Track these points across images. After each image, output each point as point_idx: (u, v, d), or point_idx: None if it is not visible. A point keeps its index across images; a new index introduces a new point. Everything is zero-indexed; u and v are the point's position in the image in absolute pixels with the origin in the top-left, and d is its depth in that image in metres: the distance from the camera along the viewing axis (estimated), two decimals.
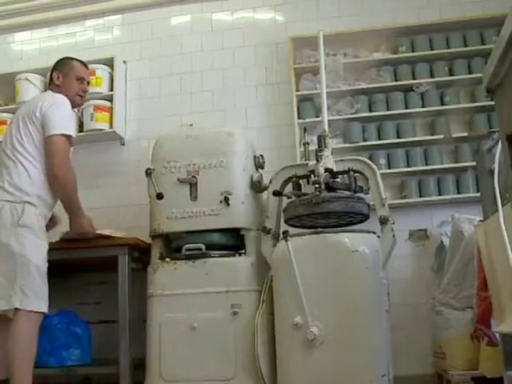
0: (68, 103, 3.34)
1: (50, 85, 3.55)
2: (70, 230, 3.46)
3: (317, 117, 4.39)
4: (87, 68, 3.70)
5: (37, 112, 3.23)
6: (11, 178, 3.14)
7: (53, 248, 3.99)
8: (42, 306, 3.05)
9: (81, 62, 3.64)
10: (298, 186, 3.48)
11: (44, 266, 3.13)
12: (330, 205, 3.04)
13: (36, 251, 3.08)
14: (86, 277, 4.61)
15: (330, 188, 3.20)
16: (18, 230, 3.03)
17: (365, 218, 3.28)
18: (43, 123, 3.20)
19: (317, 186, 3.12)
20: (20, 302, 2.94)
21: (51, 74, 3.55)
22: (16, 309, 2.94)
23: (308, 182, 3.48)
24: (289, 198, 3.30)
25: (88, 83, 3.69)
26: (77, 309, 4.25)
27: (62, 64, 3.57)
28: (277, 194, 3.41)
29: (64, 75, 3.49)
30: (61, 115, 3.25)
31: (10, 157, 3.20)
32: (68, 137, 3.24)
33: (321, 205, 2.99)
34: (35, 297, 3.00)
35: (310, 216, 3.20)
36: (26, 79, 4.92)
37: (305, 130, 3.83)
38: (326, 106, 3.70)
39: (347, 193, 3.26)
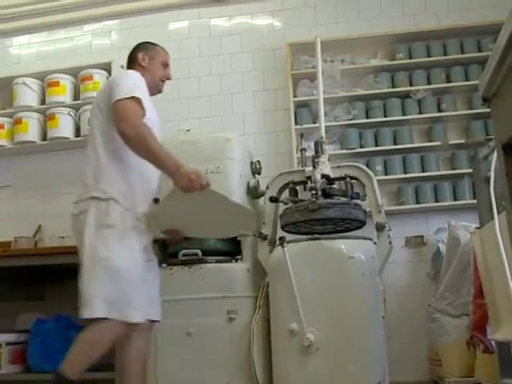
0: (138, 75, 2.98)
1: (132, 65, 3.19)
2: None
3: (314, 123, 4.40)
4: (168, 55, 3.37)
5: (104, 93, 2.91)
6: (93, 173, 2.82)
7: (48, 253, 4.03)
8: (130, 315, 2.66)
9: (163, 48, 3.35)
10: (294, 192, 3.48)
11: (134, 269, 2.71)
12: (327, 211, 3.04)
13: (122, 254, 2.70)
14: None
15: (326, 194, 3.19)
16: (102, 231, 2.69)
17: (361, 224, 3.28)
18: (109, 97, 2.81)
19: (313, 192, 3.12)
20: (98, 310, 2.60)
21: (134, 55, 3.22)
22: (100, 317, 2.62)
23: (305, 188, 3.48)
24: (285, 204, 3.30)
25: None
26: (73, 314, 4.23)
27: (147, 47, 3.27)
28: (274, 200, 3.41)
29: (150, 57, 3.19)
30: (126, 81, 2.87)
31: (89, 152, 2.90)
32: (135, 99, 2.77)
33: (317, 211, 2.99)
34: (120, 304, 2.64)
35: (307, 222, 3.20)
36: (24, 83, 4.92)
37: (301, 136, 3.83)
38: (323, 112, 3.71)
39: (344, 199, 3.26)
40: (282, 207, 3.45)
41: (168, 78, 3.26)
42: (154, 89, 3.13)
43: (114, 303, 2.62)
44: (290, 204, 3.29)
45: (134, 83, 2.86)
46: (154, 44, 3.31)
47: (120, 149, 2.78)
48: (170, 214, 2.83)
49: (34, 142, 4.85)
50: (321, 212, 3.02)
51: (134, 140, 2.67)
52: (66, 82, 4.89)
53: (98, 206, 2.71)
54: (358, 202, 3.31)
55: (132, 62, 3.20)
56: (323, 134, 3.60)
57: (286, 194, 3.56)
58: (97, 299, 2.62)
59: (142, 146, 2.68)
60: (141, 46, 3.26)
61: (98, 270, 2.65)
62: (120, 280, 2.65)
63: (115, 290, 2.64)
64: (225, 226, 2.95)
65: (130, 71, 3.04)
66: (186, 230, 2.99)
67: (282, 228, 3.37)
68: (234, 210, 2.84)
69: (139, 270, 2.73)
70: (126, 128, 2.66)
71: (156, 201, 3.32)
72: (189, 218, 2.85)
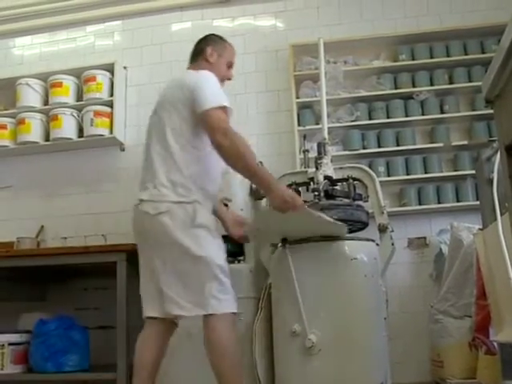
0: (214, 77, 2.92)
1: (197, 59, 3.14)
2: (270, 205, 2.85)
3: (317, 124, 4.39)
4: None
5: (181, 94, 2.86)
6: (173, 175, 2.77)
7: (51, 253, 4.04)
8: (234, 306, 2.75)
9: (232, 46, 3.26)
10: (297, 193, 3.47)
11: (225, 264, 2.79)
12: (329, 212, 3.04)
13: (216, 252, 2.77)
14: (84, 282, 4.61)
15: (329, 195, 3.20)
16: (194, 231, 2.71)
17: (364, 225, 3.28)
18: (193, 102, 2.79)
19: (316, 193, 3.11)
20: (212, 307, 2.67)
21: (201, 47, 3.15)
22: (209, 315, 2.68)
23: (307, 190, 3.48)
24: None
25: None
26: (75, 314, 4.24)
27: (216, 41, 3.19)
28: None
29: (219, 54, 3.12)
30: (211, 88, 2.84)
31: (161, 153, 2.84)
32: (224, 108, 2.79)
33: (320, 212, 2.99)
34: (225, 298, 2.72)
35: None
36: (27, 84, 4.92)
37: (304, 137, 3.84)
38: (325, 114, 3.72)
39: (346, 200, 3.26)
40: None
41: (229, 79, 3.21)
42: None
43: (222, 298, 2.69)
44: None
45: (218, 89, 2.86)
46: (223, 39, 3.23)
47: (201, 153, 2.83)
48: (268, 226, 3.01)
49: (37, 143, 4.85)
50: (323, 213, 3.01)
51: (233, 153, 2.70)
52: (69, 82, 4.89)
53: (184, 208, 2.73)
54: (360, 203, 3.31)
55: (198, 55, 3.14)
56: (326, 135, 3.61)
57: None
58: (208, 297, 2.67)
59: (241, 160, 2.71)
60: (210, 40, 3.18)
61: (201, 270, 2.69)
62: (219, 276, 2.71)
63: (217, 286, 2.69)
64: (317, 232, 3.06)
65: (207, 73, 2.93)
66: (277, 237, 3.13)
67: None
68: (328, 226, 2.93)
69: (227, 265, 2.81)
70: (221, 142, 2.68)
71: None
72: (283, 229, 3.04)
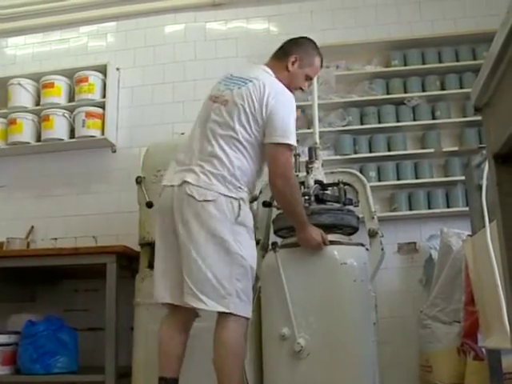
0: (293, 100, 2.92)
1: (279, 59, 3.08)
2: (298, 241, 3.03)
3: (308, 128, 4.40)
4: (321, 67, 3.28)
5: (259, 103, 2.81)
6: (227, 170, 2.76)
7: (41, 254, 4.03)
8: (250, 311, 2.77)
9: (321, 58, 3.19)
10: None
11: (255, 268, 2.83)
12: (320, 217, 3.04)
13: (251, 252, 2.79)
14: (74, 284, 4.61)
15: (319, 200, 3.20)
16: (235, 227, 2.72)
17: (354, 230, 3.29)
18: (267, 123, 2.79)
19: (306, 197, 3.12)
20: (234, 306, 2.66)
21: (287, 50, 3.08)
22: (227, 313, 2.67)
23: None
24: (278, 209, 3.30)
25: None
26: (64, 316, 4.24)
27: (306, 51, 3.10)
28: (267, 204, 3.41)
29: (300, 65, 3.05)
30: (289, 120, 2.82)
31: (221, 145, 2.80)
32: (291, 147, 2.85)
33: (310, 217, 2.99)
34: (247, 302, 2.73)
35: None
36: (19, 84, 4.92)
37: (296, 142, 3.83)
38: (317, 118, 3.72)
39: (337, 205, 3.27)
40: (274, 212, 3.46)
41: (301, 89, 3.18)
42: None
43: (245, 300, 2.71)
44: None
45: (292, 121, 2.84)
46: (314, 51, 3.15)
47: (257, 158, 2.86)
48: None
49: (28, 143, 4.84)
50: (313, 218, 3.02)
51: (282, 195, 2.85)
52: (61, 83, 4.88)
53: (231, 203, 2.73)
54: (351, 207, 3.32)
55: (282, 56, 3.08)
56: (317, 140, 3.60)
57: None
58: (233, 295, 2.67)
59: (290, 205, 2.87)
60: (300, 48, 3.10)
61: (234, 267, 2.69)
62: (249, 277, 2.73)
63: (245, 287, 2.71)
64: None
65: (288, 95, 2.91)
66: None
67: (275, 233, 3.38)
68: None
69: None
70: (278, 182, 2.79)
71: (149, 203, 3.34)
72: None
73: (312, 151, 3.45)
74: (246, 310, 2.71)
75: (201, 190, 2.72)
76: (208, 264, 2.66)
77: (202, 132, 2.90)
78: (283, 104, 2.83)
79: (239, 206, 2.73)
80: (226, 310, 2.65)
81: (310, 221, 3.01)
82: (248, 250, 2.75)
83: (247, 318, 2.74)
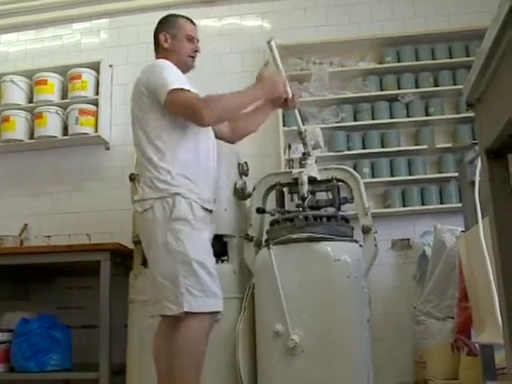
0: (168, 63, 2.91)
1: (156, 50, 3.14)
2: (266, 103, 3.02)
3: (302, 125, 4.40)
4: (195, 25, 3.24)
5: (140, 89, 2.87)
6: (150, 173, 2.77)
7: (34, 252, 4.02)
8: (213, 305, 2.70)
9: (187, 18, 3.21)
10: (281, 194, 3.47)
11: (208, 260, 2.74)
12: (314, 228, 3.04)
13: (196, 245, 2.71)
14: (67, 281, 4.60)
15: (313, 208, 3.21)
16: (172, 225, 2.68)
17: (348, 238, 3.27)
18: (152, 93, 2.79)
19: (300, 209, 3.11)
20: (188, 304, 2.61)
21: (156, 36, 3.14)
22: (185, 312, 2.63)
23: (290, 192, 3.47)
24: (272, 215, 3.29)
25: (198, 41, 3.19)
26: (58, 313, 4.23)
27: (169, 23, 3.14)
28: (260, 211, 3.40)
29: (172, 36, 3.08)
30: (161, 75, 2.81)
31: (140, 152, 2.87)
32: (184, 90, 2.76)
33: (304, 228, 3.00)
34: (203, 296, 2.65)
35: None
36: (12, 81, 4.90)
37: (289, 147, 3.82)
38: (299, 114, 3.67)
39: (331, 210, 3.27)
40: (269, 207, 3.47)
41: (196, 51, 3.14)
42: (184, 68, 3.02)
43: (198, 295, 2.64)
44: (277, 215, 3.27)
45: (166, 71, 2.83)
46: (175, 17, 3.19)
47: (175, 144, 2.80)
48: None
49: (22, 141, 4.82)
50: (307, 229, 3.02)
51: (225, 114, 2.87)
52: (54, 80, 4.87)
53: (165, 201, 2.71)
54: (345, 206, 3.33)
55: (156, 47, 3.14)
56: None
57: (272, 195, 3.56)
58: (184, 293, 2.63)
59: (234, 109, 2.89)
60: (161, 25, 3.15)
61: (177, 265, 2.65)
62: (195, 271, 2.66)
63: (194, 282, 2.65)
64: None
65: (157, 61, 2.97)
66: None
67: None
68: None
69: (212, 260, 2.79)
70: (205, 120, 2.74)
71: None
72: None
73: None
74: (202, 305, 2.65)
75: (139, 203, 2.80)
76: (159, 271, 2.70)
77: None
78: (149, 72, 2.88)
79: (173, 202, 2.70)
80: (181, 310, 2.61)
81: (303, 232, 3.02)
82: (190, 245, 2.68)
83: (207, 313, 2.68)
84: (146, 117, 2.85)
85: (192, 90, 2.78)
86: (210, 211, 2.89)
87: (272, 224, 3.28)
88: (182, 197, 2.72)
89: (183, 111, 2.77)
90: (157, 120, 2.82)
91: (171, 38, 3.08)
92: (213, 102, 2.75)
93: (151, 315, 2.88)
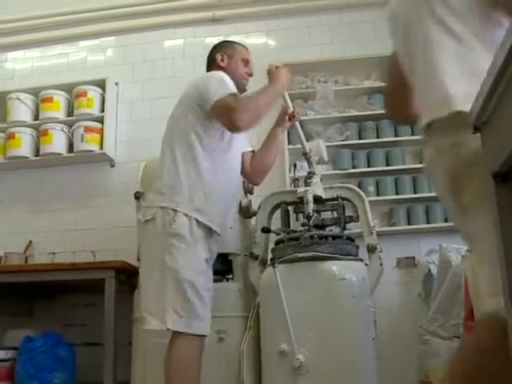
0: (220, 73, 2.97)
1: (211, 68, 3.18)
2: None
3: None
4: (248, 51, 3.32)
5: (188, 98, 2.92)
6: (163, 180, 2.82)
7: (38, 269, 4.02)
8: (198, 328, 2.66)
9: (242, 44, 3.34)
10: (286, 213, 3.47)
11: (200, 281, 2.70)
12: (319, 247, 3.04)
13: (189, 264, 2.67)
14: (72, 299, 4.59)
15: (318, 226, 3.21)
16: (169, 240, 2.67)
17: (353, 257, 3.26)
18: (200, 102, 2.84)
19: (305, 227, 3.11)
20: (172, 322, 2.59)
21: (212, 56, 3.21)
22: (171, 330, 2.62)
23: (295, 211, 3.46)
24: (277, 234, 3.29)
25: (251, 65, 3.28)
26: (62, 331, 4.22)
27: (224, 46, 3.26)
28: (266, 230, 3.40)
29: (229, 56, 3.16)
30: (215, 82, 2.86)
31: (166, 159, 2.90)
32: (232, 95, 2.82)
33: (309, 247, 3.00)
34: (191, 317, 2.63)
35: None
36: (18, 99, 4.93)
37: (295, 165, 3.81)
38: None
39: (336, 229, 3.27)
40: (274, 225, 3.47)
41: (250, 75, 3.23)
42: (238, 87, 3.01)
43: (184, 315, 2.62)
44: (282, 234, 3.26)
45: (220, 80, 2.87)
46: (231, 42, 3.33)
47: (200, 159, 2.81)
48: None
49: (27, 158, 4.85)
50: (312, 248, 3.02)
51: (256, 116, 2.81)
52: (60, 97, 4.90)
53: (166, 213, 2.71)
54: (350, 224, 3.32)
55: (211, 65, 3.20)
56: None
57: (278, 214, 3.56)
58: (169, 310, 2.60)
59: (262, 110, 2.85)
60: (218, 47, 3.26)
61: (167, 281, 2.63)
62: (185, 291, 2.63)
63: (182, 301, 2.63)
64: None
65: (211, 72, 3.03)
66: None
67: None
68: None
69: (204, 282, 2.75)
70: (240, 124, 2.75)
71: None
72: None
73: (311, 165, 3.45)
74: (188, 326, 2.62)
75: (144, 211, 2.83)
76: (149, 285, 2.70)
77: None
78: (204, 81, 2.91)
79: (174, 216, 2.69)
80: (164, 327, 2.60)
81: (309, 251, 3.02)
82: (183, 262, 2.66)
83: (194, 335, 2.65)
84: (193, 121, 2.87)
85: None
86: (215, 232, 2.87)
87: (277, 243, 3.28)
88: (183, 213, 2.72)
89: (226, 117, 2.78)
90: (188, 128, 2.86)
91: (228, 58, 3.16)
92: (248, 111, 2.78)
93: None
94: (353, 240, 3.27)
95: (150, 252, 2.73)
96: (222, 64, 3.14)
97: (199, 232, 2.75)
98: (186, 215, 2.72)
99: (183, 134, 2.86)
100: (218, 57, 3.16)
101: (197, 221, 2.74)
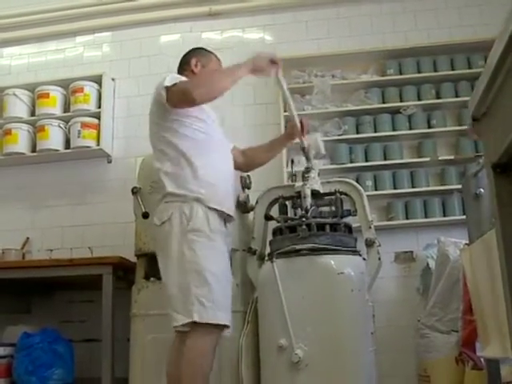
0: (182, 78, 2.95)
1: (183, 68, 3.21)
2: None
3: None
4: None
5: (155, 100, 2.91)
6: (170, 177, 2.81)
7: (36, 266, 4.01)
8: (223, 318, 2.67)
9: (217, 57, 3.34)
10: (284, 207, 3.47)
11: (221, 271, 2.73)
12: (317, 239, 3.03)
13: (210, 256, 2.70)
14: (69, 295, 4.59)
15: (316, 217, 3.20)
16: (187, 236, 2.69)
17: (351, 249, 3.25)
18: (157, 99, 2.87)
19: (303, 219, 3.10)
20: (198, 314, 2.59)
21: (187, 59, 3.24)
22: (194, 322, 2.60)
23: (293, 205, 3.46)
24: (279, 222, 3.29)
25: None
26: (60, 327, 4.22)
27: (201, 53, 3.28)
28: (269, 218, 3.40)
29: (203, 65, 3.20)
30: (168, 78, 2.85)
31: (156, 162, 2.92)
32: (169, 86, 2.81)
33: (307, 239, 2.99)
34: (213, 307, 2.63)
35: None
36: (14, 94, 4.91)
37: (292, 161, 3.80)
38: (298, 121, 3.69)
39: (334, 219, 3.26)
40: (271, 222, 3.46)
41: None
42: None
43: (208, 306, 2.62)
44: (282, 223, 3.26)
45: (171, 77, 2.86)
46: (208, 52, 3.33)
47: (193, 148, 2.84)
48: None
49: (24, 154, 4.83)
50: (311, 239, 3.01)
51: (210, 97, 2.82)
52: (57, 93, 4.88)
53: (183, 211, 2.72)
54: (348, 218, 3.31)
55: (183, 66, 3.23)
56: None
57: (275, 208, 3.55)
58: (194, 302, 2.61)
59: (216, 93, 2.83)
60: (196, 52, 3.28)
61: (189, 275, 2.64)
62: (208, 281, 2.65)
63: (205, 292, 2.63)
64: None
65: (176, 75, 2.98)
66: None
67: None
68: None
69: (228, 275, 2.80)
70: (198, 94, 2.74)
71: (145, 214, 3.34)
72: None
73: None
74: (211, 316, 2.62)
75: (159, 213, 2.81)
76: (170, 281, 2.69)
77: None
78: (162, 79, 2.88)
79: (191, 211, 2.72)
80: (190, 319, 2.60)
81: (307, 243, 3.02)
82: (204, 255, 2.69)
83: (216, 325, 2.65)
84: (152, 121, 2.96)
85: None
86: (229, 221, 2.93)
87: (275, 233, 3.27)
88: (201, 204, 2.74)
89: (177, 98, 2.79)
90: (156, 121, 2.92)
91: (201, 66, 3.19)
92: (201, 82, 2.88)
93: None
94: (351, 230, 3.26)
95: (168, 252, 2.71)
96: (195, 70, 3.18)
97: (215, 224, 2.78)
98: (202, 208, 2.74)
99: (160, 137, 2.90)
100: (193, 61, 3.20)
101: (209, 208, 2.77)
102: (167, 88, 2.79)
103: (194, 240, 2.69)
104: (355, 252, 3.20)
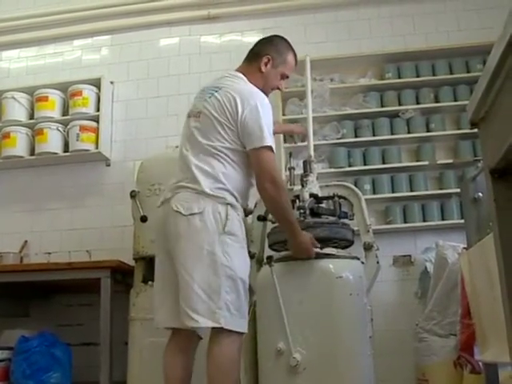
0: (266, 101, 2.83)
1: (251, 61, 3.02)
2: (289, 250, 2.93)
3: (302, 141, 4.39)
4: (296, 65, 3.20)
5: (229, 111, 2.74)
6: (209, 176, 2.70)
7: (34, 269, 4.00)
8: (244, 326, 2.66)
9: (295, 57, 3.15)
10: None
11: (247, 281, 2.72)
12: (314, 231, 3.02)
13: (241, 263, 2.69)
14: (67, 298, 4.59)
15: (314, 213, 3.19)
16: (223, 237, 2.62)
17: (349, 243, 3.27)
18: (242, 131, 2.72)
19: (301, 211, 3.10)
20: (225, 320, 2.55)
21: (260, 51, 3.01)
22: (217, 328, 2.57)
23: (293, 207, 3.46)
24: (273, 223, 3.28)
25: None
26: (58, 331, 4.21)
27: (278, 51, 3.04)
28: (262, 218, 3.39)
29: (274, 66, 2.99)
30: (262, 122, 2.72)
31: (202, 157, 2.75)
32: (271, 149, 2.74)
33: (305, 230, 2.98)
34: (239, 316, 2.61)
35: None
36: (13, 98, 4.91)
37: (290, 154, 3.82)
38: (311, 131, 3.72)
39: (332, 218, 3.25)
40: (269, 226, 3.45)
41: (278, 89, 3.13)
42: (262, 91, 2.91)
43: (235, 314, 2.60)
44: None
45: (268, 123, 2.76)
46: (286, 49, 3.10)
47: (244, 164, 2.79)
48: None
49: (22, 157, 4.83)
50: (308, 231, 3.00)
51: (276, 203, 2.72)
52: (55, 97, 4.88)
53: (218, 213, 2.65)
54: (346, 221, 3.30)
55: (253, 58, 3.02)
56: (312, 153, 3.60)
57: None
58: (223, 308, 2.57)
59: (282, 210, 2.74)
60: (273, 45, 3.06)
61: (222, 279, 2.59)
62: (239, 290, 2.63)
63: (235, 300, 2.61)
64: None
65: (259, 96, 2.81)
66: None
67: (270, 246, 3.36)
68: None
69: (248, 279, 2.75)
70: (270, 188, 2.67)
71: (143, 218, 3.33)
72: None
73: (307, 164, 3.44)
74: (237, 325, 2.61)
75: (186, 203, 2.67)
76: (196, 279, 2.59)
77: (185, 148, 2.88)
78: (254, 108, 2.74)
79: (226, 213, 2.65)
80: (217, 325, 2.56)
81: None
82: (237, 261, 2.65)
83: (240, 333, 2.65)
84: (225, 132, 2.77)
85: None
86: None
87: (273, 229, 3.28)
88: (235, 211, 2.71)
89: (260, 169, 2.72)
90: (235, 145, 2.77)
91: (272, 67, 3.00)
92: (281, 191, 2.70)
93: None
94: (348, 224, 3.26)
95: (198, 248, 2.62)
96: (263, 69, 2.97)
97: (243, 231, 2.77)
98: (235, 213, 2.71)
99: (230, 141, 2.76)
100: (264, 59, 2.98)
101: (242, 219, 2.77)
102: (262, 146, 2.70)
103: (229, 243, 2.63)
104: (353, 256, 3.20)
